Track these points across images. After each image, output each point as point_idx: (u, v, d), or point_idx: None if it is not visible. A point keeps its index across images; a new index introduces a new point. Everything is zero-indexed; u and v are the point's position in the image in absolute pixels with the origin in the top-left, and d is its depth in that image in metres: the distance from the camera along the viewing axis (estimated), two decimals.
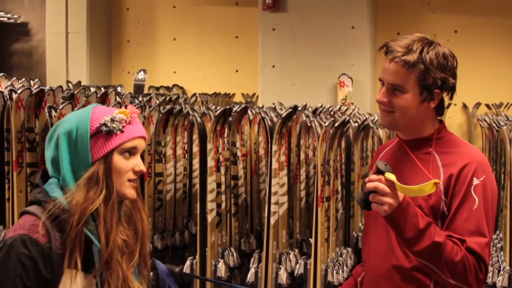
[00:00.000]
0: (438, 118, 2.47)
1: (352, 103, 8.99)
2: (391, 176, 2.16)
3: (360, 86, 9.61)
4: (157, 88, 11.29)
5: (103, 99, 6.03)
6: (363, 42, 9.77)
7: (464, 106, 10.09)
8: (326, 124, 4.33)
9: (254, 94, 10.86)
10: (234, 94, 11.15)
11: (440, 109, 2.44)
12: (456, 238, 2.23)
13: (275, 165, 4.43)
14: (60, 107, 4.87)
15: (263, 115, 4.59)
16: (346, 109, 6.80)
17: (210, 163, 4.52)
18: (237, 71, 11.46)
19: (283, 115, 4.40)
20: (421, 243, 2.19)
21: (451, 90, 2.40)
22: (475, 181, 2.27)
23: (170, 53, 12.03)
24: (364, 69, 9.71)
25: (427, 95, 2.35)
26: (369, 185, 2.19)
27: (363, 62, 9.74)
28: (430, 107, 2.38)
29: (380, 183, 2.16)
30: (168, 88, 11.41)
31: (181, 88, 11.52)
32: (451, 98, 2.45)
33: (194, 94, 10.54)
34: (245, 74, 11.28)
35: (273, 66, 10.01)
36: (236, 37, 11.50)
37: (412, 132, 2.44)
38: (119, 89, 9.53)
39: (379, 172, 2.19)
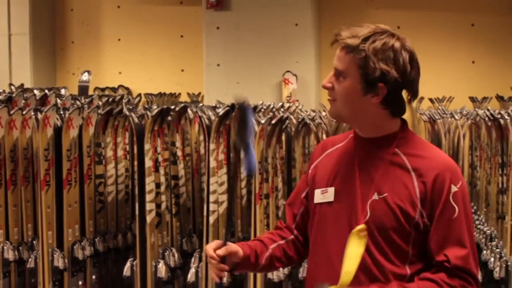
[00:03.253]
0: (401, 117, 2.31)
1: (297, 100, 9.03)
2: None
3: (304, 83, 9.66)
4: (103, 89, 11.21)
5: (42, 102, 5.96)
6: (307, 39, 9.82)
7: (408, 101, 10.19)
8: (263, 121, 4.34)
9: (199, 93, 10.85)
10: (180, 94, 11.12)
11: (394, 109, 2.26)
12: (430, 274, 2.20)
13: (213, 163, 4.42)
14: None
15: (200, 113, 4.58)
16: (289, 107, 6.82)
17: (148, 163, 4.50)
18: (182, 70, 11.44)
19: (220, 114, 4.40)
20: None
21: (398, 86, 2.20)
22: (453, 189, 2.18)
23: (115, 53, 11.95)
24: (308, 66, 9.76)
25: (367, 86, 2.19)
26: None
27: (307, 59, 9.79)
28: (374, 102, 2.21)
29: None
30: (113, 89, 11.33)
31: (127, 88, 11.46)
32: (410, 99, 2.29)
33: (139, 95, 10.49)
34: (190, 73, 11.26)
35: (218, 65, 10.01)
36: (181, 36, 11.48)
37: (368, 130, 2.30)
38: (62, 91, 9.40)
39: None
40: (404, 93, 2.27)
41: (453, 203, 2.17)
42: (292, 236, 2.51)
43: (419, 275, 2.20)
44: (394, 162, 2.25)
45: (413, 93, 2.27)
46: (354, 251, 2.17)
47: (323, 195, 2.34)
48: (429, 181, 2.18)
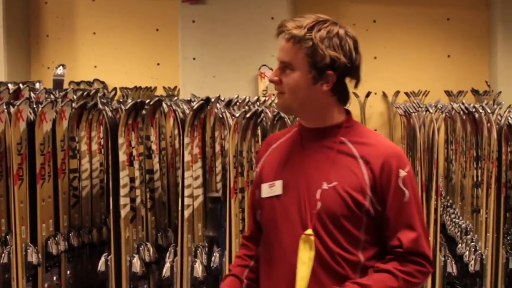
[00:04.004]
0: (345, 108, 2.33)
1: (273, 94, 9.01)
2: None
3: None
4: (78, 83, 11.10)
5: (16, 95, 5.90)
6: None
7: (384, 95, 10.23)
8: (238, 115, 4.32)
9: (175, 87, 10.80)
10: (155, 88, 11.05)
11: (341, 96, 2.29)
12: (383, 264, 2.22)
13: (187, 157, 4.40)
14: None
15: (174, 107, 4.56)
16: (264, 101, 6.81)
17: (122, 157, 4.46)
18: (158, 64, 11.37)
19: (194, 107, 4.38)
20: None
21: (346, 72, 2.24)
22: (402, 173, 2.22)
23: (90, 47, 11.84)
24: None
25: (317, 74, 2.21)
26: None
27: None
28: (324, 90, 2.23)
29: None
30: (89, 83, 11.23)
31: (102, 82, 11.36)
32: (356, 85, 2.31)
33: (115, 89, 10.42)
34: (166, 67, 11.19)
35: (194, 59, 9.97)
36: (157, 29, 11.40)
37: (315, 120, 2.31)
38: (37, 85, 9.32)
39: None
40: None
41: (402, 187, 2.22)
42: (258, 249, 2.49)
43: (373, 267, 2.23)
44: (342, 150, 2.27)
45: (358, 79, 2.31)
46: (306, 255, 2.18)
47: (271, 189, 2.34)
48: (377, 168, 2.21)
